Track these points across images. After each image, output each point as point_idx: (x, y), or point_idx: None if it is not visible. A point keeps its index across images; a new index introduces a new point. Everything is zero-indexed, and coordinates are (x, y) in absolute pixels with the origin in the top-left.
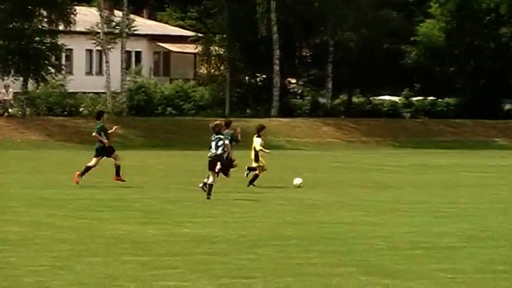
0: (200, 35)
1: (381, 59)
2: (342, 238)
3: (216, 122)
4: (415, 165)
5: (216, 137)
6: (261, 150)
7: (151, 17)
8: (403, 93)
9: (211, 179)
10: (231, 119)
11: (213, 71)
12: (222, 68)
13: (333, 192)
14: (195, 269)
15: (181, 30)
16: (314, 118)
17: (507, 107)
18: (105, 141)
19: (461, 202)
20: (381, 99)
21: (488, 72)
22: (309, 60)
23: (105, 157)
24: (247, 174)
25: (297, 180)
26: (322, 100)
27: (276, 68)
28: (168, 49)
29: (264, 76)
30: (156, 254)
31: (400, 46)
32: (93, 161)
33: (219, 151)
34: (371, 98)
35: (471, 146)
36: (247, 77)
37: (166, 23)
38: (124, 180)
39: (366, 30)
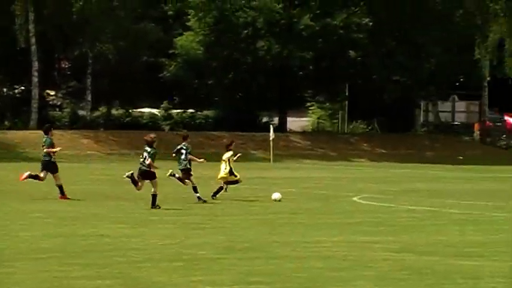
0: None
1: (140, 72)
2: (101, 250)
3: (149, 135)
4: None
5: (145, 148)
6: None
7: None
8: (162, 105)
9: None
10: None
11: None
12: None
13: (91, 204)
14: None
15: None
16: (73, 130)
17: (264, 119)
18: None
19: (219, 214)
20: (140, 112)
21: (245, 86)
22: (68, 72)
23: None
24: (226, 189)
25: (276, 195)
26: (81, 112)
27: (35, 79)
28: None
29: (22, 88)
30: None
31: (159, 59)
32: (43, 173)
33: (146, 162)
34: (130, 110)
35: None
36: (5, 89)
37: None
38: (69, 198)
39: (125, 43)
